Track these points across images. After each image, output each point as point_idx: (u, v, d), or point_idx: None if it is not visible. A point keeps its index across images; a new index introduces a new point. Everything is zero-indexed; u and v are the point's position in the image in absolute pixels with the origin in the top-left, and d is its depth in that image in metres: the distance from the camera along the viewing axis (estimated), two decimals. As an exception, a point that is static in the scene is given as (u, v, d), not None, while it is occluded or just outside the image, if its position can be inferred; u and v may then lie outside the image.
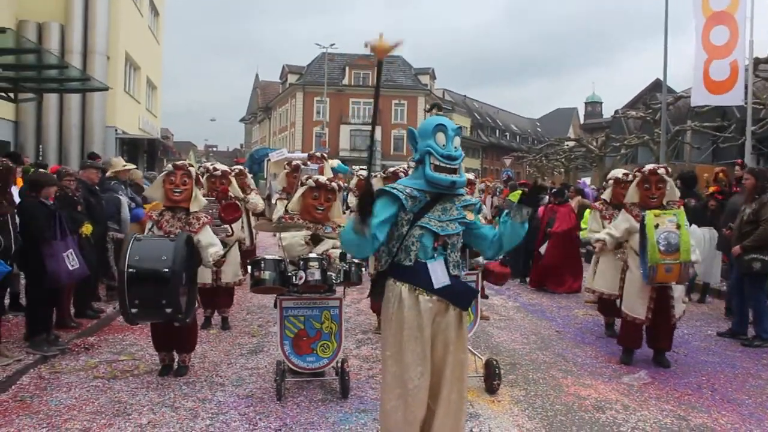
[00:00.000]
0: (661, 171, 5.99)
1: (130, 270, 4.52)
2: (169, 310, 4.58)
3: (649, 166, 6.15)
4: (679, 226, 5.59)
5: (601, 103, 75.50)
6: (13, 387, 5.07)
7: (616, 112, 34.13)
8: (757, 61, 15.10)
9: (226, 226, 6.65)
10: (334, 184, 5.33)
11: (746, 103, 13.40)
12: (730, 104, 14.89)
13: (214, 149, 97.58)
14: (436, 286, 3.37)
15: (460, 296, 3.45)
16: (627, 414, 4.78)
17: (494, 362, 5.28)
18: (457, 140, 3.46)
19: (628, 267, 6.20)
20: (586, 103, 76.84)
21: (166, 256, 4.58)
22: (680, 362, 6.24)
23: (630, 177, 6.88)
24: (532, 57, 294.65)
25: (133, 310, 4.58)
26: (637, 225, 5.92)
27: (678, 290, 5.95)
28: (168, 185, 5.44)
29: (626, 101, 37.62)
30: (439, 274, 3.39)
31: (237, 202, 7.27)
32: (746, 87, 13.08)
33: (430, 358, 3.42)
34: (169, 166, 5.60)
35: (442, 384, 3.46)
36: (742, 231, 7.01)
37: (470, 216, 3.49)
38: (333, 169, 18.14)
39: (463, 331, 3.51)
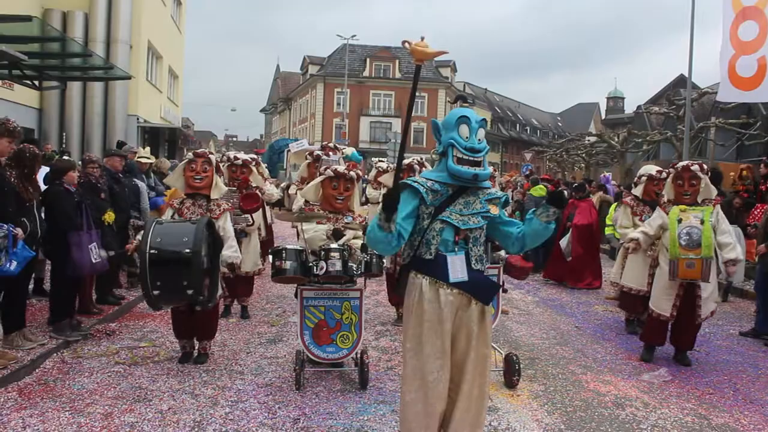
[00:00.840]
0: (695, 168, 5.87)
1: (152, 251, 4.55)
2: (190, 292, 4.61)
3: (682, 163, 6.07)
4: (702, 222, 5.53)
5: (623, 98, 74.62)
6: (36, 370, 5.15)
7: (639, 107, 33.70)
8: (785, 57, 14.84)
9: (247, 215, 6.67)
10: (353, 173, 5.32)
11: (772, 99, 13.16)
12: (757, 101, 14.63)
13: (234, 139, 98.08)
14: (451, 280, 3.35)
15: (481, 290, 3.43)
16: (647, 411, 4.74)
17: (514, 357, 5.26)
18: (482, 132, 3.42)
19: (658, 263, 6.11)
20: (608, 98, 75.98)
21: (187, 237, 4.61)
22: (702, 361, 6.18)
23: (663, 174, 6.79)
24: (554, 51, 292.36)
25: (155, 292, 4.60)
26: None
27: (708, 290, 5.85)
28: (189, 172, 5.49)
29: (649, 97, 37.19)
30: (457, 268, 3.36)
31: (257, 192, 7.29)
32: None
33: (450, 352, 3.41)
34: (190, 154, 5.64)
35: (463, 378, 3.44)
36: (767, 230, 6.91)
37: (494, 210, 3.45)
38: (347, 157, 18.14)
39: (486, 325, 3.49)
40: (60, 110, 19.06)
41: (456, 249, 3.38)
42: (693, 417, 4.66)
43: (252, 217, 6.80)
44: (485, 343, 3.48)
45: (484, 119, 3.47)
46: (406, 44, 3.17)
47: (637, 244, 6.16)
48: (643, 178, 7.16)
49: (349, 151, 18.86)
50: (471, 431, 3.50)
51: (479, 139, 3.39)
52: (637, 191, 7.19)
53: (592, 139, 35.04)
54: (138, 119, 21.77)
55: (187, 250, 4.55)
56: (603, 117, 69.67)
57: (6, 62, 10.10)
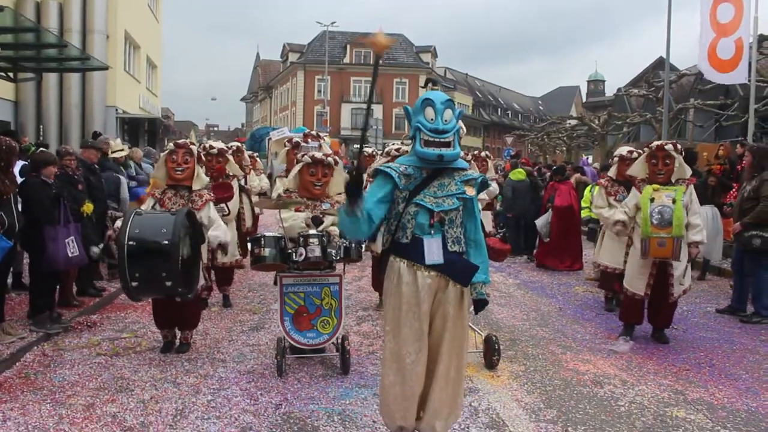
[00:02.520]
0: (669, 147, 5.91)
1: (130, 243, 4.53)
2: (169, 284, 4.60)
3: (656, 142, 6.13)
4: (674, 201, 5.61)
5: (604, 81, 74.82)
6: (17, 364, 5.13)
7: (619, 90, 33.84)
8: (761, 38, 14.97)
9: (222, 205, 6.66)
10: (330, 159, 5.32)
11: (750, 81, 13.30)
12: (734, 83, 14.76)
13: (215, 128, 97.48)
14: (427, 262, 3.38)
15: (459, 272, 3.45)
16: (625, 388, 4.82)
17: (493, 338, 5.32)
18: (448, 113, 3.40)
19: (632, 242, 6.18)
20: (588, 82, 76.16)
21: (166, 229, 4.59)
22: (679, 338, 6.28)
23: (635, 154, 6.87)
24: (534, 35, 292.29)
25: (134, 284, 4.59)
26: None
27: (680, 268, 5.93)
28: (170, 164, 5.48)
29: (629, 79, 37.30)
30: (433, 250, 3.39)
31: (230, 181, 7.27)
32: (750, 64, 12.97)
33: (427, 334, 3.45)
34: (171, 145, 5.61)
35: (440, 360, 3.48)
36: (743, 208, 7.01)
37: (470, 191, 3.47)
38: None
39: (463, 308, 3.52)
40: (36, 102, 18.78)
41: (432, 232, 3.41)
42: (669, 393, 4.75)
43: (228, 207, 6.79)
44: (461, 325, 3.51)
45: (450, 99, 3.46)
46: (367, 39, 3.22)
47: (623, 225, 6.17)
48: (616, 159, 7.26)
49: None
50: (449, 411, 3.56)
51: (446, 120, 3.38)
52: (611, 172, 7.28)
53: (573, 122, 35.20)
54: (117, 110, 21.56)
55: (166, 242, 4.54)
56: (584, 100, 69.88)
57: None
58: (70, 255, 5.93)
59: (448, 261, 3.42)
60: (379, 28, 3.09)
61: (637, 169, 6.14)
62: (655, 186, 5.76)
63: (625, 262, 6.44)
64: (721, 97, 20.48)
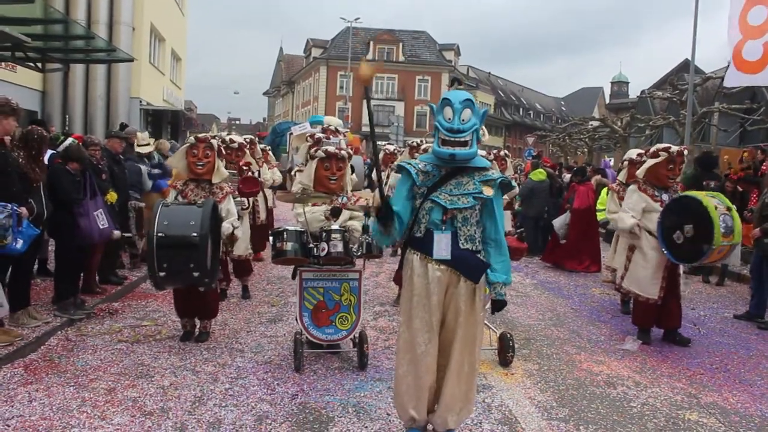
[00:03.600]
0: (686, 152, 6.03)
1: (159, 235, 4.65)
2: (196, 274, 4.73)
3: (675, 147, 6.13)
4: (729, 209, 5.62)
5: (628, 83, 74.09)
6: (41, 347, 5.26)
7: (642, 92, 33.58)
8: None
9: (242, 199, 6.77)
10: (343, 153, 5.36)
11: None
12: (760, 84, 14.66)
13: (237, 122, 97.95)
14: (434, 257, 3.49)
15: (469, 268, 3.53)
16: (638, 390, 4.84)
17: (508, 336, 5.36)
18: (467, 113, 3.45)
19: (637, 246, 6.15)
20: (612, 83, 75.50)
21: (194, 221, 4.71)
22: (695, 342, 6.27)
23: (645, 158, 6.86)
24: (558, 35, 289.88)
25: (162, 274, 4.72)
26: (654, 204, 5.95)
27: (681, 267, 6.09)
28: (191, 158, 5.54)
29: (653, 81, 36.95)
30: (442, 245, 3.49)
31: (256, 176, 7.41)
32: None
33: (437, 327, 3.53)
34: (191, 138, 5.68)
35: (452, 354, 3.57)
36: (763, 214, 6.98)
37: (488, 191, 3.53)
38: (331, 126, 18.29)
39: (475, 304, 3.59)
40: (63, 92, 19.06)
41: (443, 228, 3.49)
42: (682, 396, 4.76)
43: (249, 200, 6.92)
44: (473, 321, 3.58)
45: (469, 99, 3.50)
46: (353, 72, 3.35)
47: (638, 228, 6.14)
48: (626, 163, 7.26)
49: (336, 122, 18.96)
50: (462, 405, 3.64)
51: (463, 120, 3.44)
52: (622, 176, 7.29)
53: (595, 123, 34.95)
54: (141, 102, 21.79)
55: (194, 234, 4.66)
56: (607, 101, 69.34)
57: (9, 44, 10.14)
58: (101, 227, 6.08)
59: (460, 257, 3.50)
60: (363, 58, 3.20)
61: (644, 172, 6.14)
62: (703, 193, 5.82)
63: (626, 268, 6.42)
64: (747, 102, 20.25)
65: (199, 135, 5.75)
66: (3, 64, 14.29)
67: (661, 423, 4.24)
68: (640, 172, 6.21)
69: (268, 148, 13.18)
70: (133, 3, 20.37)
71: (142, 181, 8.54)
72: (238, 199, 6.68)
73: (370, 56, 54.64)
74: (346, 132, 10.49)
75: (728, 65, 13.29)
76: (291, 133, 19.72)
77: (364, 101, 3.46)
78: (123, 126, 11.01)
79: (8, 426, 3.79)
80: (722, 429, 4.19)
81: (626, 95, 66.02)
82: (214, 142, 5.70)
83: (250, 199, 7.02)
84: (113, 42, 17.81)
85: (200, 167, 5.55)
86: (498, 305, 3.66)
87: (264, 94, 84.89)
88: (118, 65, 18.91)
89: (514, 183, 9.03)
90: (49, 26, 12.21)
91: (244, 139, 8.70)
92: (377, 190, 3.49)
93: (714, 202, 5.63)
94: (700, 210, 5.60)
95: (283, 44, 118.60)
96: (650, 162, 6.11)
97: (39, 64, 13.36)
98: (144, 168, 8.68)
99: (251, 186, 6.79)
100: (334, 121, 13.76)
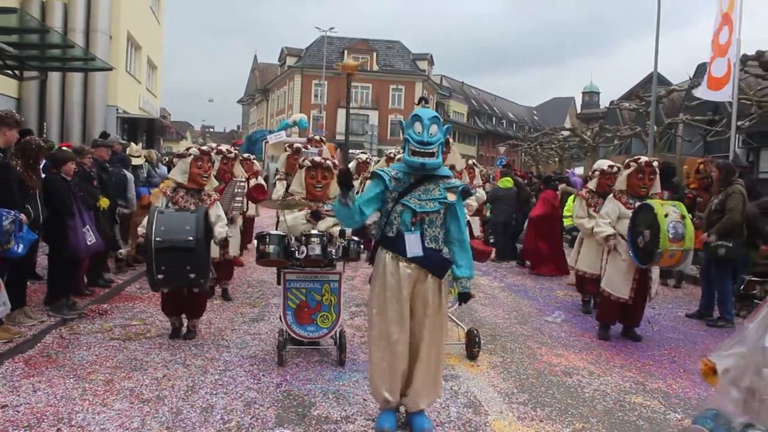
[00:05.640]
0: (655, 164, 6.58)
1: (157, 239, 5.03)
2: (193, 276, 5.14)
3: (644, 158, 6.68)
4: (683, 217, 6.11)
5: (599, 93, 75.70)
6: (38, 344, 5.59)
7: (611, 102, 34.51)
8: (744, 58, 15.55)
9: (240, 204, 7.33)
10: (329, 162, 5.80)
11: (732, 99, 13.86)
12: (723, 100, 15.36)
13: (211, 129, 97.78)
14: (408, 255, 3.96)
15: (435, 266, 4.02)
16: (591, 379, 5.34)
17: (475, 331, 5.83)
18: (434, 128, 3.97)
19: (611, 250, 6.66)
20: (583, 93, 77.06)
21: (189, 226, 5.12)
22: (647, 338, 6.79)
23: (615, 169, 7.46)
24: (531, 46, 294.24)
25: (160, 276, 5.11)
26: (627, 211, 6.47)
27: (655, 272, 6.58)
28: (195, 169, 5.93)
29: (624, 92, 37.97)
30: (413, 245, 3.97)
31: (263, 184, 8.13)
32: (733, 83, 13.54)
33: (408, 318, 4.00)
34: (194, 149, 6.04)
35: (422, 344, 4.04)
36: (710, 219, 7.56)
37: (451, 197, 4.02)
38: (294, 122, 19.01)
39: (441, 298, 4.08)
40: (39, 100, 19.14)
41: (413, 229, 3.97)
42: (631, 383, 5.27)
43: (247, 205, 7.51)
44: (440, 313, 4.07)
45: (436, 116, 4.04)
46: (338, 66, 3.83)
47: (615, 238, 6.61)
48: (597, 173, 7.80)
49: (298, 117, 19.49)
50: (432, 390, 4.12)
51: (431, 134, 3.95)
52: (592, 184, 7.83)
53: (566, 133, 35.77)
54: (117, 110, 21.94)
55: (191, 238, 5.06)
56: (578, 111, 70.66)
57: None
58: (88, 243, 6.41)
59: (426, 255, 3.98)
60: (338, 65, 3.70)
61: (620, 182, 6.69)
62: (660, 201, 6.29)
63: (601, 267, 6.95)
64: (709, 113, 21.05)
65: (203, 147, 6.14)
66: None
67: (609, 405, 4.73)
68: (619, 184, 6.73)
69: (253, 157, 13.59)
70: (110, 11, 20.53)
71: (128, 189, 8.86)
72: (237, 205, 7.20)
73: (344, 65, 55.12)
74: (322, 141, 10.90)
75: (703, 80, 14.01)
76: (266, 142, 20.12)
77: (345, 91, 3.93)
78: (105, 134, 11.30)
79: (18, 411, 4.14)
80: (662, 409, 4.70)
81: (597, 105, 67.31)
82: (213, 154, 6.14)
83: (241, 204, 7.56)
84: (90, 50, 17.96)
85: (205, 179, 5.96)
86: (464, 297, 4.13)
87: (238, 102, 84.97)
88: (95, 73, 19.04)
89: (481, 191, 9.58)
90: (27, 35, 12.45)
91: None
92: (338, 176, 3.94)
93: (668, 209, 6.12)
94: (653, 217, 6.12)
95: (257, 52, 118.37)
96: (625, 173, 6.66)
97: (17, 72, 13.57)
98: (130, 176, 9.01)
99: (259, 193, 7.45)
100: (297, 116, 14.22)
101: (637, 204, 6.46)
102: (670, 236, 6.01)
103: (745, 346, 1.83)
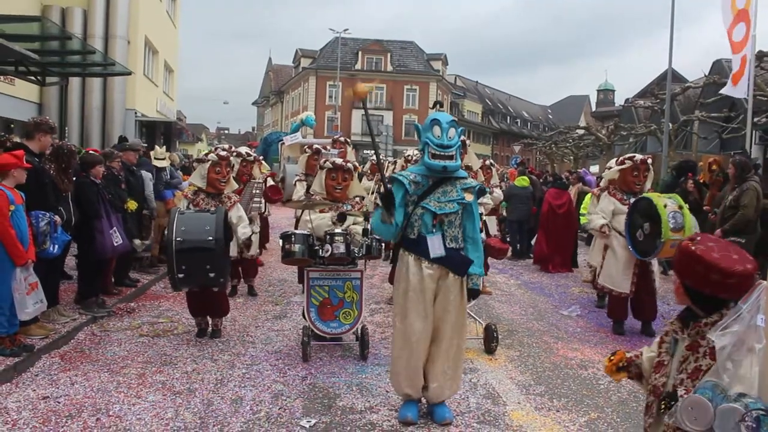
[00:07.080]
0: (649, 161, 6.72)
1: (178, 240, 5.23)
2: (212, 275, 5.32)
3: (639, 156, 6.83)
4: (681, 207, 6.25)
5: (614, 91, 75.31)
6: (72, 341, 5.83)
7: (626, 100, 34.42)
8: (760, 54, 15.56)
9: (259, 205, 7.55)
10: (349, 165, 5.97)
11: (748, 95, 13.89)
12: (738, 96, 15.38)
13: (226, 131, 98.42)
14: (431, 256, 4.10)
15: (456, 264, 4.18)
16: (607, 372, 5.46)
17: (493, 326, 5.98)
18: (452, 131, 4.13)
19: (609, 246, 6.81)
20: (598, 91, 76.70)
21: (209, 227, 5.30)
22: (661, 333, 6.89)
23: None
24: (545, 44, 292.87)
25: (180, 275, 5.31)
26: (622, 207, 6.62)
27: (655, 264, 6.71)
28: (214, 175, 6.13)
29: (639, 89, 37.83)
30: (435, 246, 4.12)
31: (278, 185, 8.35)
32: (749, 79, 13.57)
33: (431, 316, 4.15)
34: (213, 155, 6.24)
35: (442, 338, 4.21)
36: (725, 215, 7.65)
37: (468, 197, 4.18)
38: (302, 120, 19.33)
39: (462, 295, 4.24)
40: (60, 105, 19.50)
41: (434, 230, 4.13)
42: (646, 376, 5.39)
43: (266, 205, 7.71)
44: (461, 310, 4.24)
45: (454, 120, 4.20)
46: (349, 90, 4.04)
47: (608, 228, 6.83)
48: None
49: (304, 115, 19.73)
50: (452, 383, 4.29)
51: (450, 137, 4.11)
52: (604, 183, 7.95)
53: (581, 131, 35.74)
54: (136, 113, 22.30)
55: (210, 238, 5.25)
56: (593, 109, 70.37)
57: (12, 59, 10.68)
58: (115, 244, 6.64)
59: (448, 255, 4.13)
60: (356, 81, 3.92)
61: (611, 175, 6.84)
62: (656, 194, 6.45)
63: (601, 266, 7.08)
64: (725, 110, 21.01)
65: (221, 153, 6.32)
66: (2, 77, 14.80)
67: (623, 396, 4.88)
68: (608, 175, 6.89)
69: (260, 157, 13.85)
70: (128, 17, 20.89)
71: (145, 189, 9.07)
72: (256, 205, 7.41)
73: (358, 66, 55.41)
74: (347, 142, 11.09)
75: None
76: (282, 143, 20.37)
77: (362, 116, 4.12)
78: (122, 138, 11.57)
79: (59, 403, 4.36)
80: (676, 401, 4.83)
81: (612, 103, 66.98)
82: (232, 158, 6.33)
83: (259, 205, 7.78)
84: (109, 55, 18.28)
85: (223, 184, 6.16)
86: (473, 293, 4.28)
87: (253, 104, 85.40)
88: (114, 78, 19.40)
89: (498, 191, 9.73)
90: (49, 42, 12.76)
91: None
92: (375, 194, 4.12)
93: (665, 201, 6.26)
94: (653, 209, 6.27)
95: (272, 54, 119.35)
96: (615, 168, 6.81)
97: (39, 78, 13.90)
98: (147, 175, 9.23)
99: (274, 194, 7.65)
100: (303, 115, 14.56)
101: (632, 200, 6.61)
102: (671, 226, 6.14)
103: (739, 325, 2.01)
